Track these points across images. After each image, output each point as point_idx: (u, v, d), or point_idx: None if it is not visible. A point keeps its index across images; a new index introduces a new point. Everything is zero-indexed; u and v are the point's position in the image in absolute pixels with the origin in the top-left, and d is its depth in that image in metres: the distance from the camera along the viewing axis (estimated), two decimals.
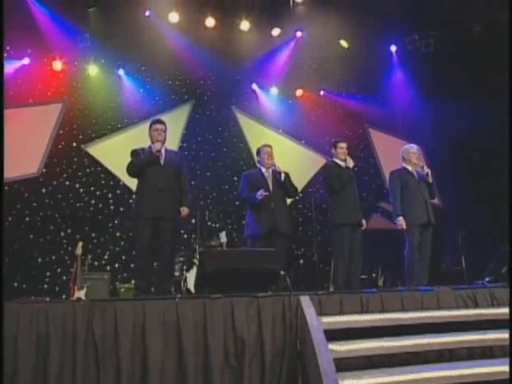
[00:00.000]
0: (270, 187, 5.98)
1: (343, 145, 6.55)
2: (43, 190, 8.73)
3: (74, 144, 9.04)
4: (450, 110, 8.58)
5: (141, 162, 5.46)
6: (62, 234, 8.79)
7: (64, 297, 8.43)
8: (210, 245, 8.80)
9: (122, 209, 9.13)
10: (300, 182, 9.64)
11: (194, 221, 9.36)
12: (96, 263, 8.69)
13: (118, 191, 9.08)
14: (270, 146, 6.19)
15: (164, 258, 5.36)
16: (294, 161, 9.65)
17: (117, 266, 8.83)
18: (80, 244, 7.97)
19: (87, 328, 3.76)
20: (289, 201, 9.53)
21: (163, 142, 5.59)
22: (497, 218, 8.16)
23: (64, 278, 8.61)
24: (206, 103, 9.79)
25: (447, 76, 8.80)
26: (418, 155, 6.68)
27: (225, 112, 9.83)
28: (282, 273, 4.41)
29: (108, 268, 8.80)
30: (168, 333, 3.97)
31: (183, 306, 4.04)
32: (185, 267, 8.68)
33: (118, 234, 9.08)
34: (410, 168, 6.62)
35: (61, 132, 8.87)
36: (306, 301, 4.28)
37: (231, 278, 4.24)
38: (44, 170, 8.71)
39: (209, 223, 9.24)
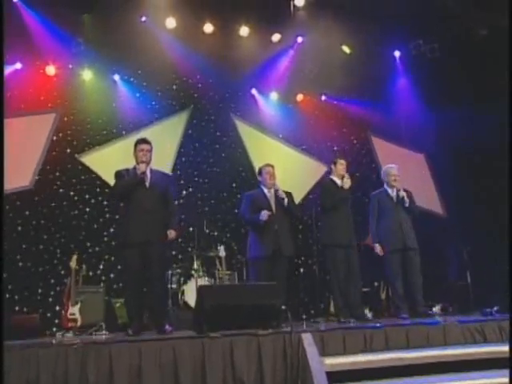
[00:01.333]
0: (273, 208, 5.86)
1: (343, 162, 6.46)
2: (36, 198, 8.55)
3: (68, 150, 8.86)
4: (455, 118, 8.40)
5: (125, 184, 5.36)
6: (56, 243, 8.61)
7: (57, 308, 8.32)
8: (209, 256, 8.69)
9: (117, 217, 8.97)
10: (301, 189, 9.57)
11: (191, 229, 9.26)
12: (91, 273, 8.56)
13: (114, 199, 8.91)
14: (272, 166, 6.07)
15: (154, 282, 5.25)
16: (295, 168, 9.53)
17: (112, 275, 8.68)
18: (74, 257, 7.83)
19: (80, 374, 3.64)
20: None
21: (148, 162, 5.49)
22: (500, 223, 7.99)
23: (57, 288, 8.47)
24: (204, 109, 9.59)
25: (452, 82, 8.60)
26: (396, 176, 6.63)
27: (223, 118, 9.64)
28: (284, 307, 4.30)
29: (103, 278, 8.67)
30: (165, 374, 3.86)
31: (180, 346, 3.93)
32: (182, 279, 8.57)
33: (113, 243, 8.92)
34: (389, 190, 6.61)
35: (54, 139, 8.68)
36: (307, 339, 4.18)
37: (231, 315, 4.12)
38: (37, 177, 8.54)
39: (207, 231, 9.10)
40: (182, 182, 9.44)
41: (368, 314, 7.34)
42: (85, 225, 8.82)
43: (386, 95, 9.55)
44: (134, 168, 5.48)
